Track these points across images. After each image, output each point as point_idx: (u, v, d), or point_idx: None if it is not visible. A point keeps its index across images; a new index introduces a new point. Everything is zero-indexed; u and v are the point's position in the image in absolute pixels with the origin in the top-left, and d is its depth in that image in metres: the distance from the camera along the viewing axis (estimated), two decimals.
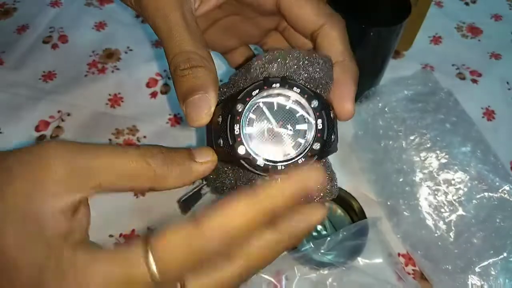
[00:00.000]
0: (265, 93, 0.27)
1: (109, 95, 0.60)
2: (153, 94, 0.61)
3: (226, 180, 0.31)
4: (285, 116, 0.28)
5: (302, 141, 0.28)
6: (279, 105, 0.28)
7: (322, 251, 0.42)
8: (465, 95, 0.57)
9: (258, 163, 0.27)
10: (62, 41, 0.66)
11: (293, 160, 0.27)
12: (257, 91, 0.27)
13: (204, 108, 0.27)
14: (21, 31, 0.65)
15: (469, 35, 0.69)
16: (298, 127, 0.28)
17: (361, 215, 0.46)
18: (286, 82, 0.27)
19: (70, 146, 0.24)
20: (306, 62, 0.28)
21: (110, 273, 0.22)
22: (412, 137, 0.46)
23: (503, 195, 0.44)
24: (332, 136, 0.28)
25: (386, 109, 0.48)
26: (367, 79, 0.56)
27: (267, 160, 0.27)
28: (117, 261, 0.22)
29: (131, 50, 0.65)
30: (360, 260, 0.44)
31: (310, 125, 0.28)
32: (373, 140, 0.49)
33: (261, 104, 0.28)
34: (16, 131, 0.56)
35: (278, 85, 0.27)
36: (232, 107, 0.27)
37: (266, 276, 0.41)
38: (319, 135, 0.27)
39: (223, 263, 0.24)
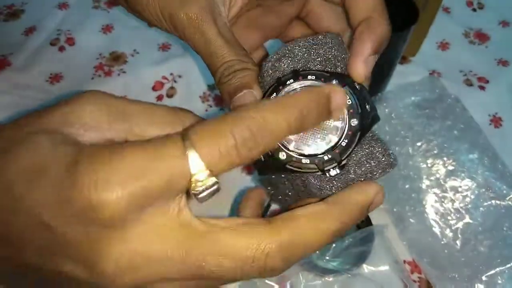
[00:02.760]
0: (283, 93, 0.27)
1: None
2: (159, 97, 0.61)
3: (285, 190, 0.30)
4: None
5: (339, 124, 0.26)
6: None
7: (327, 257, 0.42)
8: (472, 101, 0.56)
9: (303, 162, 0.26)
10: (69, 43, 0.66)
11: (337, 145, 0.26)
12: (274, 94, 0.27)
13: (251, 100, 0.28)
14: (28, 33, 0.66)
15: (477, 42, 0.69)
16: None
17: (367, 222, 0.45)
18: (298, 74, 0.27)
19: (108, 94, 0.24)
20: (314, 46, 0.28)
21: (142, 170, 0.20)
22: (419, 144, 0.46)
23: (510, 203, 0.43)
24: (367, 106, 0.27)
25: (392, 115, 0.48)
26: (373, 84, 0.55)
27: (311, 155, 0.26)
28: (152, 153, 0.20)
29: (137, 53, 0.65)
30: (366, 267, 0.44)
31: None
32: None
33: None
34: None
35: (292, 80, 0.27)
36: None
37: (270, 283, 0.40)
38: (351, 111, 0.26)
39: None
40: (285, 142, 0.26)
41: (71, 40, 0.66)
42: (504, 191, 0.44)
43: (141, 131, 0.23)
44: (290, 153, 0.26)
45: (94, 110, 0.23)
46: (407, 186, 0.46)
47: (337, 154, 0.26)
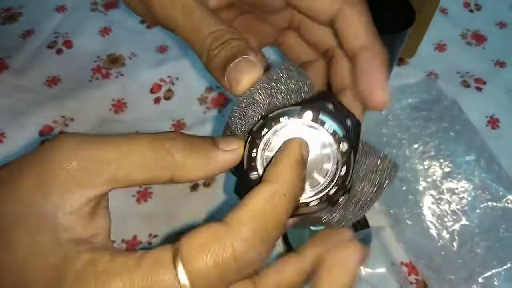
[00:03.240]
0: (261, 146, 0.25)
1: (113, 100, 0.60)
2: (157, 100, 0.61)
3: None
4: None
5: (328, 151, 0.25)
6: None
7: None
8: (469, 103, 0.56)
9: (312, 205, 0.25)
10: (67, 46, 0.66)
11: (336, 175, 0.25)
12: (255, 151, 0.25)
13: (250, 68, 0.24)
14: (26, 36, 0.66)
15: (474, 43, 0.69)
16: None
17: (364, 223, 0.46)
18: (269, 120, 0.24)
19: (80, 138, 0.21)
20: (272, 84, 0.25)
21: (133, 282, 0.19)
22: (415, 145, 0.46)
23: (506, 204, 0.43)
24: (347, 121, 0.25)
25: (389, 117, 0.48)
26: None
27: (316, 195, 0.25)
28: (144, 269, 0.20)
29: (135, 55, 0.65)
30: (363, 269, 0.44)
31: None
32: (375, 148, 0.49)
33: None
34: (20, 135, 0.56)
35: (265, 129, 0.24)
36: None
37: None
38: (336, 136, 0.24)
39: None
40: None
41: (68, 43, 0.66)
42: (501, 193, 0.44)
43: (125, 177, 0.21)
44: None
45: (68, 166, 0.20)
46: (404, 188, 0.46)
47: (340, 183, 0.25)
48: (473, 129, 0.48)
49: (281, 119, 0.24)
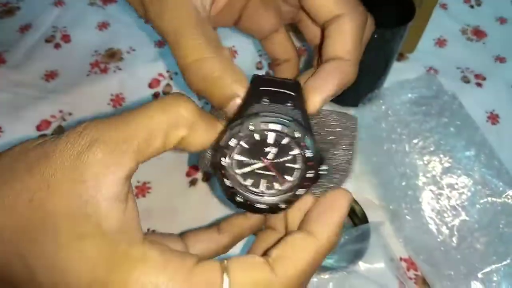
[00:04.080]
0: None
1: (111, 95, 0.60)
2: (156, 95, 0.61)
3: None
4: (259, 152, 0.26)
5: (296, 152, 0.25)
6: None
7: None
8: (469, 98, 0.56)
9: (260, 206, 0.26)
10: (65, 40, 0.65)
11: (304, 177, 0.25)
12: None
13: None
14: (24, 30, 0.65)
15: (474, 38, 0.69)
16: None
17: (363, 219, 0.45)
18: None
19: (99, 122, 0.22)
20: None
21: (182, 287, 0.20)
22: (415, 141, 0.46)
23: (506, 200, 0.43)
24: (288, 105, 0.25)
25: (389, 112, 0.48)
26: (370, 81, 0.55)
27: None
28: (194, 275, 0.21)
29: (133, 50, 0.65)
30: (362, 265, 0.44)
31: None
32: (375, 144, 0.49)
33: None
34: (17, 130, 0.56)
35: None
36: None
37: None
38: (302, 144, 0.25)
39: None
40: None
41: (66, 37, 0.66)
42: (501, 188, 0.43)
43: (146, 147, 0.22)
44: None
45: (98, 150, 0.21)
46: (403, 184, 0.46)
47: (312, 163, 0.25)
48: (473, 124, 0.48)
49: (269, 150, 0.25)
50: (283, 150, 0.25)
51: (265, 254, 0.23)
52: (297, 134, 0.24)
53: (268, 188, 0.26)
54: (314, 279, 0.41)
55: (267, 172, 0.25)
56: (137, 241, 0.21)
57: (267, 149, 0.25)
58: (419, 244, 0.44)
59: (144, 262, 0.20)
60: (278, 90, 0.25)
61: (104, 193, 0.20)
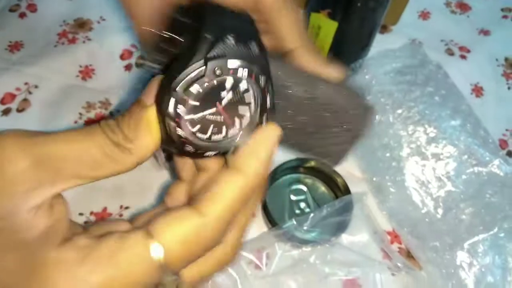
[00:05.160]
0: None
1: (80, 66, 0.56)
2: (128, 67, 0.57)
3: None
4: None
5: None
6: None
7: (305, 228, 0.40)
8: (453, 71, 0.55)
9: (208, 154, 0.24)
10: (31, 9, 0.61)
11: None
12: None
13: None
14: None
15: (458, 11, 0.67)
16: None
17: (346, 191, 0.44)
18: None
19: (28, 134, 0.20)
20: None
21: (107, 272, 0.20)
22: (399, 111, 0.44)
23: (492, 169, 0.42)
24: (252, 46, 0.22)
25: (373, 82, 0.46)
26: (353, 52, 0.53)
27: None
28: (116, 256, 0.20)
29: (104, 20, 0.61)
30: (345, 238, 0.42)
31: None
32: None
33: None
34: None
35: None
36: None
37: (246, 254, 0.38)
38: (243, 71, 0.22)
39: (218, 247, 0.24)
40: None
41: (32, 7, 0.61)
42: (487, 158, 0.42)
43: (87, 172, 0.21)
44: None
45: (22, 164, 0.20)
46: (387, 155, 0.44)
47: (265, 107, 0.24)
48: (458, 93, 0.47)
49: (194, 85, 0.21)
50: (238, 95, 0.23)
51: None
52: (262, 82, 0.22)
53: (215, 133, 0.23)
54: (295, 252, 0.39)
55: (217, 118, 0.23)
56: (55, 244, 0.20)
57: (222, 94, 0.22)
58: (403, 217, 0.43)
59: (59, 264, 0.20)
60: (239, 25, 0.22)
61: (27, 204, 0.20)
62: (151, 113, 0.22)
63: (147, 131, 0.22)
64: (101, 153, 0.21)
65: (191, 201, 0.23)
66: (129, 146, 0.21)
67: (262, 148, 0.23)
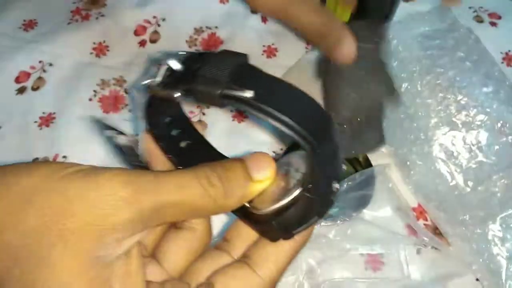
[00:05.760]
0: None
1: (94, 43, 0.55)
2: (142, 43, 0.56)
3: None
4: None
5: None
6: None
7: None
8: (483, 39, 0.51)
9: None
10: None
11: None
12: None
13: None
14: None
15: None
16: None
17: (366, 164, 0.41)
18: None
19: (133, 180, 0.20)
20: None
21: None
22: (428, 78, 0.41)
23: None
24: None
25: (399, 48, 0.43)
26: (377, 17, 0.50)
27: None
28: None
29: None
30: (367, 213, 0.40)
31: None
32: None
33: None
34: None
35: None
36: None
37: None
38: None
39: None
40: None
41: None
42: None
43: (173, 218, 0.23)
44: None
45: (122, 215, 0.19)
46: (414, 125, 0.42)
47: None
48: (491, 59, 0.43)
49: None
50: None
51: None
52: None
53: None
54: (316, 227, 0.37)
55: None
56: None
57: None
58: (430, 190, 0.41)
59: None
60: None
61: (117, 251, 0.20)
62: (255, 190, 0.23)
63: (243, 198, 0.23)
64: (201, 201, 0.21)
65: (247, 258, 0.24)
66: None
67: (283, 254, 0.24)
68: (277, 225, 0.23)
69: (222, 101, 0.21)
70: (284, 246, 0.24)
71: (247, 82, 0.20)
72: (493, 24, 0.58)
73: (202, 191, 0.21)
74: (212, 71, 0.21)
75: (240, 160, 0.23)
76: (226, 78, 0.21)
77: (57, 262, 0.18)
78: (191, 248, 0.25)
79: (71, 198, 0.19)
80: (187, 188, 0.21)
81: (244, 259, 0.24)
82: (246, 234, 0.25)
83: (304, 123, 0.20)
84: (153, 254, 0.25)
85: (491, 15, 0.59)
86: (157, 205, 0.20)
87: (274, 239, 0.23)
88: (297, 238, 0.24)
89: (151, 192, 0.20)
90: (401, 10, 0.50)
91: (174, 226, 0.26)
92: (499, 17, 0.58)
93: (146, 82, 0.23)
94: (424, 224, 0.42)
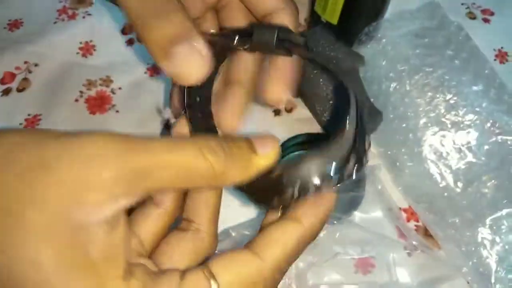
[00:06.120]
0: None
1: (80, 43, 0.55)
2: (130, 41, 0.55)
3: None
4: None
5: None
6: None
7: None
8: (475, 36, 0.50)
9: None
10: None
11: None
12: None
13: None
14: None
15: None
16: None
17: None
18: None
19: (120, 139, 0.19)
20: None
21: None
22: (416, 77, 0.41)
23: None
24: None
25: (388, 47, 0.42)
26: (367, 15, 0.49)
27: None
28: None
29: None
30: (357, 215, 0.39)
31: None
32: (373, 83, 0.44)
33: None
34: None
35: None
36: None
37: (249, 233, 0.36)
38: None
39: None
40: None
41: None
42: None
43: (161, 187, 0.20)
44: None
45: (106, 172, 0.18)
46: (403, 126, 0.41)
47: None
48: (481, 56, 0.43)
49: None
50: None
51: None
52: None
53: None
54: None
55: None
56: (119, 277, 0.19)
57: None
58: (420, 192, 0.40)
59: None
60: None
61: (98, 217, 0.18)
62: (259, 165, 0.22)
63: (245, 171, 0.22)
64: (197, 166, 0.20)
65: (249, 243, 0.23)
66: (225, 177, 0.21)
67: (322, 208, 0.24)
68: None
69: (278, 44, 0.24)
70: (290, 230, 0.23)
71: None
72: (486, 20, 0.57)
73: (199, 154, 0.20)
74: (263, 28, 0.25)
75: (246, 137, 0.22)
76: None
77: (29, 224, 0.17)
78: (195, 253, 0.24)
79: (49, 154, 0.18)
80: (181, 151, 0.20)
81: (248, 245, 0.23)
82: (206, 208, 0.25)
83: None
84: (151, 256, 0.24)
85: (484, 11, 0.58)
86: (145, 165, 0.19)
87: None
88: (305, 223, 0.23)
89: (139, 150, 0.19)
90: (390, 8, 0.50)
91: (177, 228, 0.25)
92: (492, 13, 0.58)
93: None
94: (415, 226, 0.42)
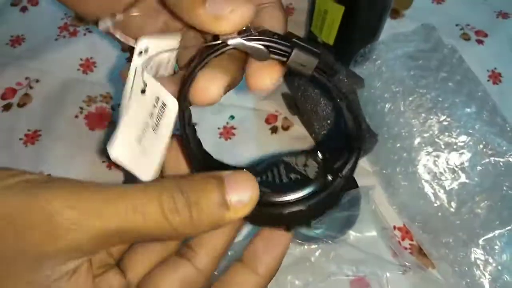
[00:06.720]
0: None
1: (81, 60, 0.55)
2: (130, 59, 0.56)
3: None
4: None
5: None
6: None
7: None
8: (469, 57, 0.52)
9: None
10: (32, 3, 0.61)
11: None
12: None
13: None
14: None
15: None
16: None
17: (352, 184, 0.41)
18: None
19: (74, 197, 0.18)
20: None
21: None
22: (411, 98, 0.42)
23: (510, 160, 0.39)
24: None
25: (383, 68, 0.43)
26: (362, 38, 0.50)
27: None
28: None
29: None
30: (352, 234, 0.40)
31: None
32: (368, 104, 0.44)
33: None
34: None
35: None
36: None
37: (233, 253, 0.36)
38: None
39: None
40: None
41: (34, 0, 0.61)
42: (504, 148, 0.39)
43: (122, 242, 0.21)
44: None
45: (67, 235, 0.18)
46: (397, 146, 0.42)
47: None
48: (474, 79, 0.44)
49: None
50: None
51: None
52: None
53: None
54: (296, 250, 0.37)
55: None
56: None
57: None
58: (414, 211, 0.41)
59: None
60: None
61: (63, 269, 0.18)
62: (230, 219, 0.19)
63: (214, 227, 0.20)
64: (158, 230, 0.19)
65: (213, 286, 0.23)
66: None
67: (276, 251, 0.23)
68: None
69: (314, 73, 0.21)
70: (244, 283, 0.23)
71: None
72: (479, 41, 0.58)
73: (161, 219, 0.18)
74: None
75: (218, 177, 0.19)
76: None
77: None
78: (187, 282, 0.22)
79: (9, 216, 0.17)
80: (140, 215, 0.18)
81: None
82: (212, 245, 0.23)
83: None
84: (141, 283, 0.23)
85: (477, 32, 0.59)
86: (103, 232, 0.18)
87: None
88: (261, 273, 0.23)
89: (96, 216, 0.18)
90: (386, 30, 0.51)
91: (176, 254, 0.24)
92: (486, 35, 0.59)
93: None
94: (410, 244, 0.42)
